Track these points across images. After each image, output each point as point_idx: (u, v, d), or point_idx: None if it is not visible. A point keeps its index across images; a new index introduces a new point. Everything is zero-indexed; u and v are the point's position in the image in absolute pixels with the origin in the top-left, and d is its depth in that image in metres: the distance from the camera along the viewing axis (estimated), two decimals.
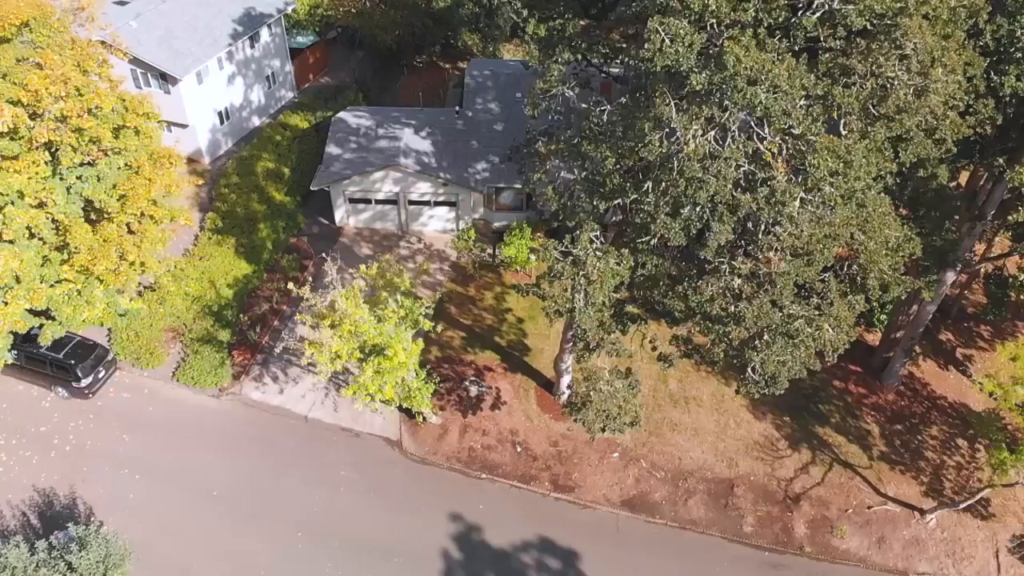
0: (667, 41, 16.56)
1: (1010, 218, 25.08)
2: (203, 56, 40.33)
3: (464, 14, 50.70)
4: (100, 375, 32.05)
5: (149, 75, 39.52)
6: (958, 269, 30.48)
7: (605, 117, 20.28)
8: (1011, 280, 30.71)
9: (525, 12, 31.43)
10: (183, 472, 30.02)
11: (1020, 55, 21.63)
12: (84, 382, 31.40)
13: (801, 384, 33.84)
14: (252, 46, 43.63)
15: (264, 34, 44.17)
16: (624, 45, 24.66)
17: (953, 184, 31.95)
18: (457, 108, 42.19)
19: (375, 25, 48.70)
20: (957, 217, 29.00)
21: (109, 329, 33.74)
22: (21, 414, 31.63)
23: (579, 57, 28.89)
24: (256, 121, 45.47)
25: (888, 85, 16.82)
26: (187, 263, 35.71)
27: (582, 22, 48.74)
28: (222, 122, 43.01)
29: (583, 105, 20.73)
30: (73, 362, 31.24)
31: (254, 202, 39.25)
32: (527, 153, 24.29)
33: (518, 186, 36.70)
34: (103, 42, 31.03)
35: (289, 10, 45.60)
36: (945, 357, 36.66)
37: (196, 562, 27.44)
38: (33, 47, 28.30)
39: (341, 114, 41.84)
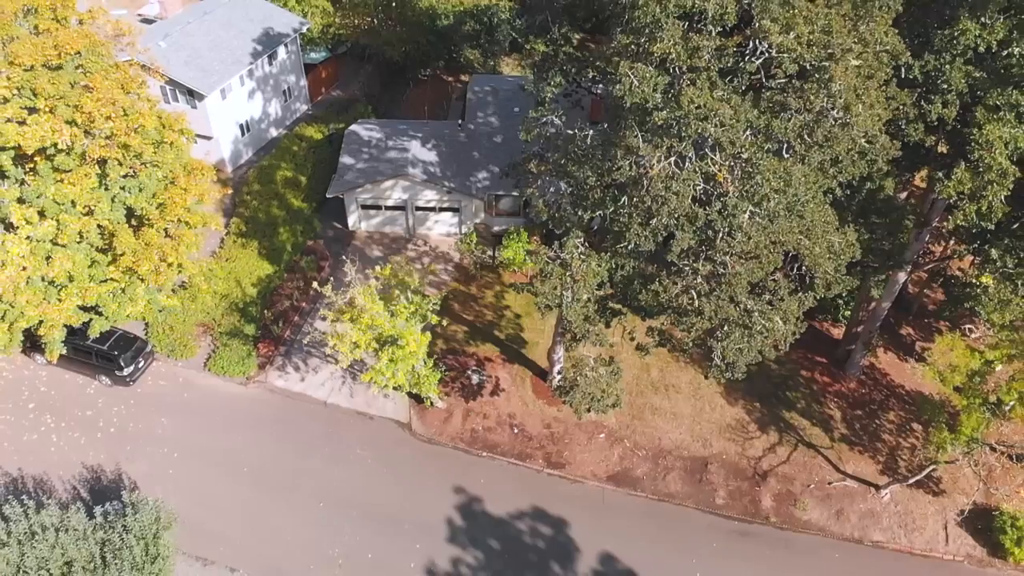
0: (635, 83, 20.13)
1: (944, 224, 28.57)
2: (227, 74, 43.89)
3: (466, 31, 54.29)
4: (140, 365, 35.65)
5: (177, 91, 43.10)
6: (908, 270, 34.03)
7: (588, 141, 23.84)
8: (953, 280, 34.17)
9: (524, 36, 35.14)
10: (216, 451, 33.59)
11: (945, 86, 25.20)
12: (126, 371, 35.01)
13: (771, 373, 37.59)
14: (270, 63, 47.22)
15: (281, 52, 47.76)
16: (610, 70, 28.11)
17: (905, 193, 35.61)
18: (460, 121, 45.74)
19: (383, 41, 52.24)
20: (908, 222, 32.58)
21: (147, 323, 37.30)
22: (69, 400, 35.22)
23: (569, 80, 32.56)
24: (274, 132, 49.08)
25: (818, 118, 20.36)
26: (215, 264, 39.28)
27: (577, 36, 53.15)
28: (243, 134, 46.62)
29: (569, 131, 24.28)
30: (116, 353, 34.84)
31: (274, 208, 42.82)
32: (522, 170, 27.85)
33: (516, 194, 40.26)
34: (143, 65, 34.60)
35: (304, 29, 49.16)
36: (905, 350, 40.16)
37: (229, 529, 31.03)
38: (83, 72, 31.84)
39: (353, 127, 45.40)
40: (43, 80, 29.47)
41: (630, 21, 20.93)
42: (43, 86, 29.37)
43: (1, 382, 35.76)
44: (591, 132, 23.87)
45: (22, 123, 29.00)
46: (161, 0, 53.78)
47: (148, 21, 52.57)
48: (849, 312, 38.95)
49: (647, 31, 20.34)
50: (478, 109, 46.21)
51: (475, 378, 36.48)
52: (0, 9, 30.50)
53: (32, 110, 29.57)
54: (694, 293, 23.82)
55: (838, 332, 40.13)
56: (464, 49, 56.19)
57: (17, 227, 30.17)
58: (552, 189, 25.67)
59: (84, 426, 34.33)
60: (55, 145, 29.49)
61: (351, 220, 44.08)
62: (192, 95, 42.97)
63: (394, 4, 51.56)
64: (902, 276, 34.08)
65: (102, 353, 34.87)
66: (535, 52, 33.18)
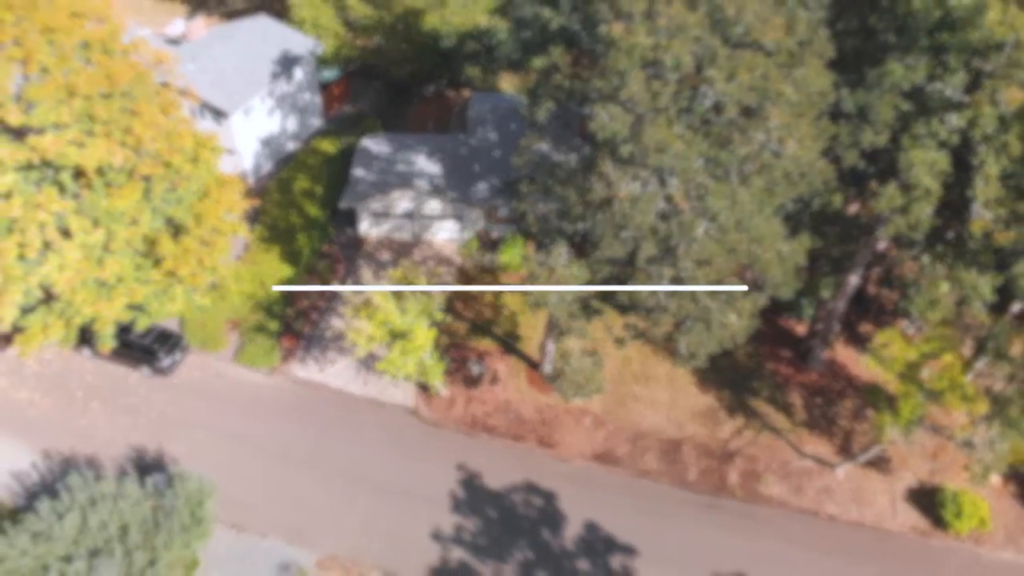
0: (607, 120, 24.41)
1: (878, 233, 32.88)
2: (249, 94, 48.18)
3: (467, 51, 58.51)
4: (176, 357, 40.00)
5: (205, 110, 47.42)
6: (860, 273, 38.27)
7: (571, 165, 28.15)
8: (896, 282, 38.31)
9: (519, 54, 39.29)
10: (245, 433, 37.92)
11: (874, 117, 29.47)
12: (165, 363, 39.37)
13: (739, 365, 41.92)
14: (288, 83, 51.51)
15: (298, 72, 52.05)
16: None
17: (858, 203, 39.82)
18: (462, 136, 50.03)
19: (390, 61, 56.53)
20: (858, 230, 36.83)
21: (181, 320, 41.62)
22: (114, 388, 39.56)
23: (560, 104, 36.83)
24: (291, 146, 53.40)
25: (757, 150, 24.63)
26: (242, 267, 43.59)
27: (571, 55, 57.40)
28: (264, 148, 50.94)
29: (555, 158, 28.57)
30: (156, 346, 39.21)
31: (293, 216, 47.13)
32: (515, 189, 32.10)
33: (512, 204, 44.50)
34: (179, 90, 38.89)
35: (319, 51, 53.44)
36: (863, 345, 44.43)
37: (259, 500, 35.39)
38: (130, 98, 36.09)
39: (364, 141, 49.69)
40: (99, 107, 33.78)
41: (603, 68, 25.22)
42: (99, 112, 33.68)
43: (52, 374, 40.11)
44: (573, 157, 28.19)
45: (81, 145, 33.32)
46: (186, 21, 58.15)
47: (173, 41, 56.77)
48: (812, 311, 43.19)
49: (617, 77, 24.63)
50: (478, 125, 50.50)
51: (475, 369, 40.78)
52: (60, 44, 34.78)
53: (89, 133, 33.86)
54: (660, 294, 28.12)
55: (802, 329, 44.41)
56: (465, 68, 60.41)
57: (74, 235, 34.49)
58: (541, 205, 29.96)
59: (128, 411, 38.68)
60: (110, 164, 33.82)
61: (362, 227, 48.37)
62: (218, 114, 47.26)
63: (400, 27, 55.80)
64: (854, 279, 38.33)
65: (143, 346, 39.22)
66: (531, 70, 37.35)
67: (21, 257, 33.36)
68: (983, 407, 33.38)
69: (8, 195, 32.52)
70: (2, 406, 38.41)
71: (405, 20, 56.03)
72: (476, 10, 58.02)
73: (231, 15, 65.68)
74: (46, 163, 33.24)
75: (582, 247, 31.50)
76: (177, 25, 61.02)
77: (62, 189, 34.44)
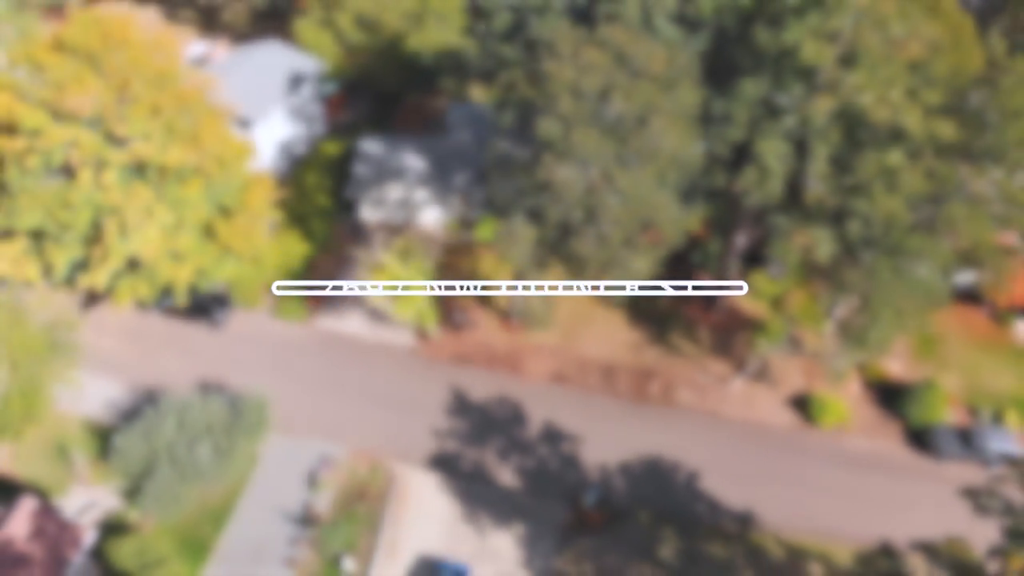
0: (545, 126, 36.67)
1: (745, 203, 45.64)
2: (269, 105, 59.74)
3: (443, 66, 70.43)
4: (227, 312, 51.62)
5: (235, 120, 58.77)
6: (746, 234, 51.04)
7: (525, 158, 40.40)
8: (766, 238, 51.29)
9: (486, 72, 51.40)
10: (283, 369, 49.67)
11: (735, 119, 42.05)
12: (218, 316, 50.99)
13: (660, 309, 54.62)
14: (297, 96, 63.09)
15: (305, 87, 63.62)
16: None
17: None
18: (441, 137, 62.05)
19: (379, 76, 68.23)
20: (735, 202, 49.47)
21: (229, 282, 53.16)
22: (179, 337, 51.08)
23: (521, 111, 49.07)
24: (302, 149, 64.98)
25: (645, 145, 37.03)
26: (274, 243, 55.24)
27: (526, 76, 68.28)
28: (280, 151, 62.50)
29: (514, 153, 40.78)
30: (212, 303, 50.82)
31: (307, 205, 58.84)
32: (487, 179, 44.25)
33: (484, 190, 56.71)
34: (222, 105, 50.35)
35: (321, 69, 65.04)
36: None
37: (299, 414, 47.22)
38: (195, 113, 47.45)
39: (361, 142, 61.42)
40: (175, 121, 45.33)
41: (543, 92, 37.48)
42: (175, 125, 45.25)
43: (130, 327, 51.52)
44: (526, 153, 40.50)
45: (164, 150, 44.77)
46: (206, 44, 69.32)
47: (198, 62, 67.95)
48: (715, 265, 55.95)
49: (552, 98, 36.93)
50: (454, 128, 62.55)
51: (459, 316, 52.93)
52: (145, 73, 45.93)
53: (169, 141, 45.35)
54: (588, 247, 40.51)
55: (708, 279, 57.17)
56: (442, 80, 72.27)
57: (156, 217, 45.93)
58: (504, 188, 42.20)
59: (191, 354, 50.27)
60: (183, 163, 45.37)
61: (363, 212, 60.11)
62: (244, 123, 58.71)
63: (387, 47, 67.53)
64: (740, 238, 51.14)
65: (201, 303, 50.79)
66: (497, 84, 49.11)
67: (119, 234, 44.86)
68: (827, 328, 46.46)
69: (112, 187, 43.95)
70: (93, 352, 49.61)
71: (391, 42, 67.83)
72: (450, 32, 69.95)
73: (240, 37, 76.76)
74: (139, 163, 44.67)
75: (535, 216, 43.83)
76: (198, 47, 72.26)
77: (148, 182, 45.87)
